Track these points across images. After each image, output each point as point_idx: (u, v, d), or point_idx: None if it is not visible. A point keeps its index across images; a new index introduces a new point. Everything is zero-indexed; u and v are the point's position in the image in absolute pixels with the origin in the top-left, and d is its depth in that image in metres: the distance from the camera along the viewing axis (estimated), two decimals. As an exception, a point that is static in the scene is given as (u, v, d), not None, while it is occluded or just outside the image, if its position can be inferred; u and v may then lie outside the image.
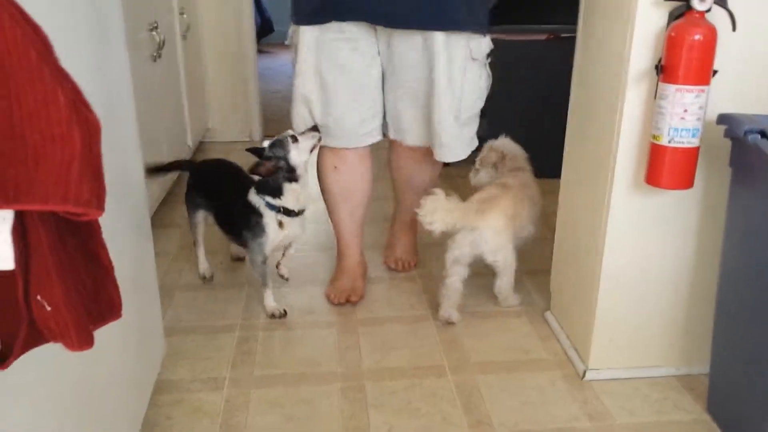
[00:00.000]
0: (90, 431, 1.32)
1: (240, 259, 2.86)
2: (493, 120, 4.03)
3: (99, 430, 1.39)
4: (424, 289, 2.65)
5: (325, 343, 2.28)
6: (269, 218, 2.31)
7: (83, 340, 0.77)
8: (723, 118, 1.69)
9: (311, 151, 2.29)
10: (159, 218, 3.20)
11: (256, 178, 2.30)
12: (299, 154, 2.25)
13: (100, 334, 0.86)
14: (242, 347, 2.26)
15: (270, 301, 2.43)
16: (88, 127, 0.65)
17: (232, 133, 4.74)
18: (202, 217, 2.65)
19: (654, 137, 1.74)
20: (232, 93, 4.66)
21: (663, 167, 1.74)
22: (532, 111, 3.88)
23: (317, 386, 2.06)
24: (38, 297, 0.73)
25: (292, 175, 2.26)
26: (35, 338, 0.78)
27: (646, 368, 2.08)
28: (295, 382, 2.07)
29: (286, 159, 2.24)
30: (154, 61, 3.13)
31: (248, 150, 2.33)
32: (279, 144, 2.25)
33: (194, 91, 4.15)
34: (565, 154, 2.29)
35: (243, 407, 1.95)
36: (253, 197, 2.33)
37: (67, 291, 0.74)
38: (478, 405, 1.96)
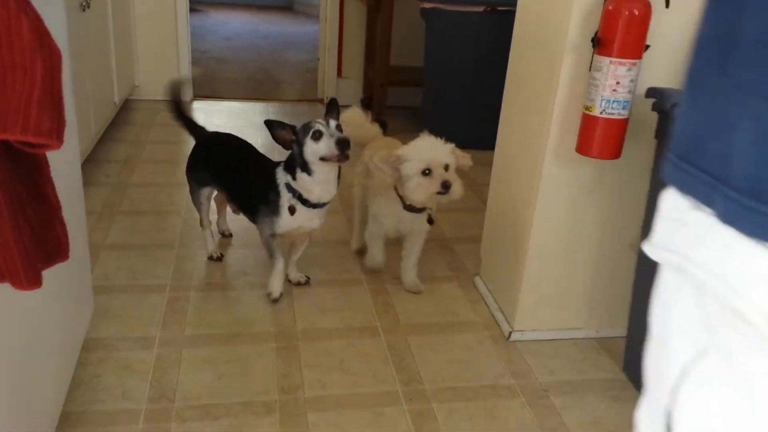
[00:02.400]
0: (17, 390, 1.29)
1: (227, 236, 2.72)
2: (429, 91, 4.08)
3: (26, 389, 1.35)
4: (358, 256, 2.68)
5: (259, 305, 2.28)
6: (284, 200, 2.17)
7: (31, 280, 0.75)
8: (652, 92, 1.78)
9: (323, 160, 2.07)
10: (84, 176, 3.08)
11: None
12: (312, 153, 2.08)
13: (29, 295, 0.83)
14: (173, 306, 2.23)
15: (276, 282, 2.29)
16: (51, 55, 0.63)
17: (160, 91, 4.57)
18: (207, 194, 2.47)
19: (586, 108, 1.81)
20: (161, 50, 4.50)
21: (594, 137, 1.81)
22: (468, 82, 3.93)
23: (250, 345, 2.06)
24: (-16, 233, 0.70)
25: (304, 163, 2.11)
26: (-20, 278, 0.75)
27: (568, 330, 2.19)
28: (228, 342, 2.07)
29: (300, 145, 2.10)
30: (83, 10, 2.99)
31: (267, 122, 2.13)
32: (304, 128, 2.10)
33: (122, 46, 4.00)
34: (500, 125, 2.35)
35: (174, 365, 1.94)
36: (280, 173, 2.19)
37: (17, 229, 0.72)
38: (409, 364, 2.01)
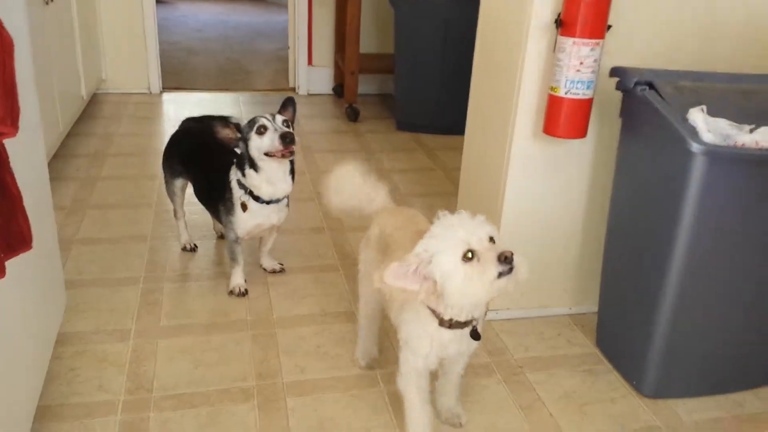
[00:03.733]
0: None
1: (223, 237, 2.55)
2: (400, 77, 4.09)
3: (0, 384, 1.34)
4: (333, 241, 2.69)
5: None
6: (236, 197, 2.14)
7: (-5, 268, 0.75)
8: (615, 71, 1.80)
9: (269, 156, 2.03)
10: (52, 171, 3.05)
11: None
12: (257, 148, 2.03)
13: None
14: (147, 298, 2.22)
15: (236, 279, 2.27)
16: (2, 43, 0.62)
17: (129, 84, 4.54)
18: (180, 185, 2.44)
19: (552, 89, 1.83)
20: (128, 43, 4.45)
21: (560, 118, 1.83)
22: (438, 68, 3.94)
23: (227, 334, 2.06)
24: (-53, 222, 0.70)
25: (251, 160, 2.07)
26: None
27: (541, 308, 2.22)
28: (204, 332, 2.07)
29: (245, 141, 2.06)
30: (46, 3, 2.94)
31: (210, 118, 2.08)
32: (249, 124, 2.06)
33: (88, 39, 3.94)
34: (469, 109, 2.36)
35: (150, 356, 1.93)
36: (232, 170, 2.15)
37: (-22, 217, 0.71)
38: (386, 347, 2.02)
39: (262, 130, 2.03)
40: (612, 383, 1.93)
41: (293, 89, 4.90)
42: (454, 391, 1.72)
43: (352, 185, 1.80)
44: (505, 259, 1.30)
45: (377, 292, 1.56)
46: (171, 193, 2.47)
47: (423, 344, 1.51)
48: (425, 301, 1.43)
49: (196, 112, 4.06)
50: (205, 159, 2.32)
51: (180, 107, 4.32)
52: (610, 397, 1.88)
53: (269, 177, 2.09)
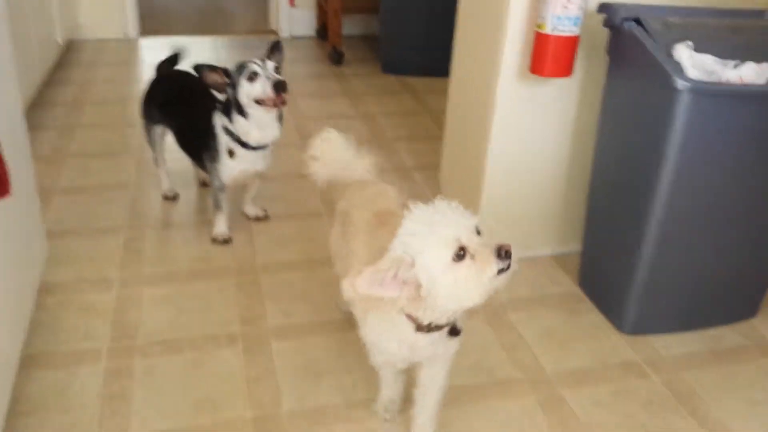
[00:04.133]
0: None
1: (206, 185, 2.56)
2: (385, 18, 3.99)
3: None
4: (317, 187, 2.66)
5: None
6: (222, 144, 2.10)
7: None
8: (602, 7, 1.76)
9: (259, 103, 2.01)
10: (30, 120, 2.99)
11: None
12: (246, 95, 2.00)
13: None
14: (130, 247, 2.21)
15: (220, 226, 2.25)
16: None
17: (106, 30, 4.42)
18: (159, 132, 2.39)
19: (538, 26, 1.79)
20: (103, -15, 4.31)
21: (546, 56, 1.80)
22: (425, 7, 3.85)
23: (211, 281, 2.06)
24: None
25: (239, 106, 2.03)
26: None
27: (525, 249, 2.23)
28: (187, 279, 2.06)
29: (234, 87, 2.01)
30: (13, -56, 2.83)
31: (196, 66, 2.01)
32: (239, 69, 2.00)
33: (60, -18, 3.81)
34: (454, 49, 2.32)
35: (135, 304, 1.93)
36: (217, 116, 2.10)
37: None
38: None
39: (252, 77, 1.98)
40: (593, 321, 1.96)
41: (274, 32, 4.79)
42: (431, 422, 1.50)
43: (334, 153, 1.69)
44: (506, 254, 1.15)
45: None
46: (151, 141, 2.43)
47: (391, 348, 1.35)
48: (404, 307, 1.23)
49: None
50: (184, 105, 2.27)
51: (158, 53, 4.20)
52: (590, 335, 1.90)
53: (258, 122, 2.05)
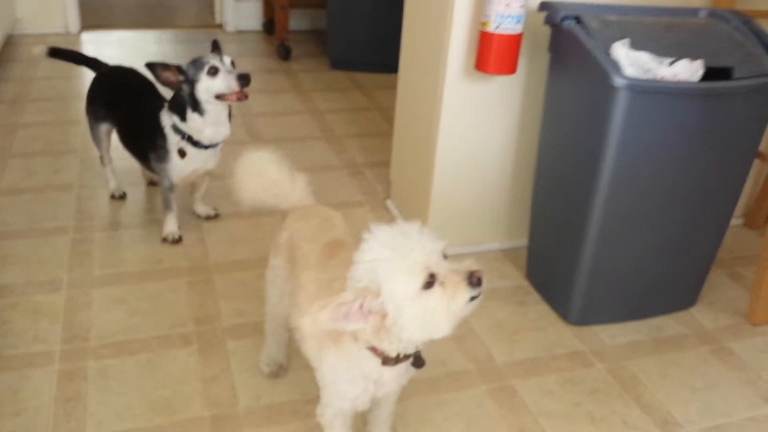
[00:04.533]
0: None
1: (154, 183, 2.53)
2: (333, 12, 3.99)
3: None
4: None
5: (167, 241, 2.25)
6: (172, 143, 2.07)
7: None
8: (543, 5, 1.82)
9: (220, 98, 1.99)
10: (-33, 118, 2.91)
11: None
12: (206, 90, 1.97)
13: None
14: (78, 248, 2.17)
15: (170, 225, 2.23)
16: None
17: (45, 24, 4.29)
18: (105, 130, 2.33)
19: (482, 24, 1.83)
20: (41, -22, 4.19)
21: (490, 53, 1.85)
22: (371, 5, 3.86)
23: (162, 281, 2.04)
24: None
25: (195, 103, 2.00)
26: None
27: (475, 245, 2.28)
28: (138, 280, 2.05)
29: (192, 83, 1.97)
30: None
31: (148, 64, 1.96)
32: (195, 64, 1.98)
33: (-4, -25, 3.69)
34: (402, 45, 2.35)
35: (85, 306, 1.91)
36: (164, 115, 2.06)
37: None
38: (295, 353, 2.05)
39: (213, 71, 1.96)
40: (540, 313, 2.02)
41: (220, 26, 4.74)
42: (388, 421, 1.49)
43: (263, 177, 1.53)
44: (478, 281, 1.09)
45: (287, 317, 1.39)
46: (96, 139, 2.39)
47: (355, 387, 1.25)
48: (368, 340, 1.16)
49: (117, 53, 3.89)
50: (129, 103, 2.24)
51: (101, 47, 4.12)
52: (538, 326, 1.97)
53: (213, 120, 2.03)
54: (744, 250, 2.42)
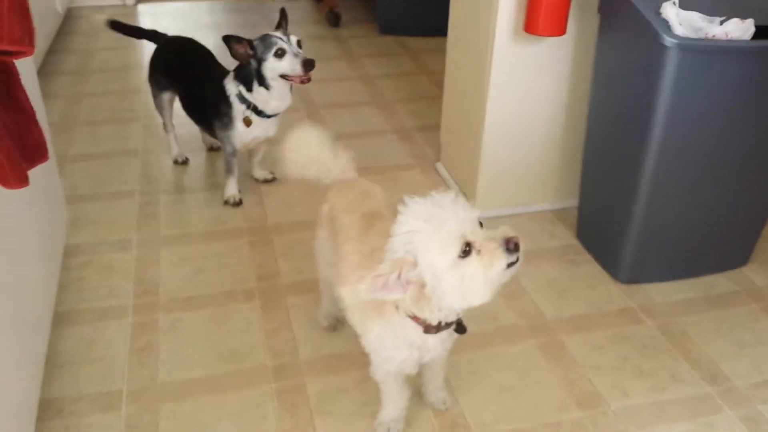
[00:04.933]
0: (10, 296, 1.36)
1: (214, 149, 2.66)
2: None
3: (20, 291, 1.43)
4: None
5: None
6: (238, 111, 2.16)
7: (18, 178, 0.82)
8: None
9: (284, 78, 2.07)
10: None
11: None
12: (272, 69, 2.06)
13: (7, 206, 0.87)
14: (145, 210, 2.29)
15: (231, 189, 2.33)
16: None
17: (104, -4, 4.44)
18: (168, 98, 2.45)
19: (533, -13, 1.85)
20: (99, -48, 4.31)
21: (539, 15, 1.86)
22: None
23: (225, 241, 2.15)
24: (-29, 138, 0.76)
25: (261, 78, 2.09)
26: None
27: (525, 205, 2.32)
28: (202, 240, 2.16)
29: (260, 60, 2.06)
30: None
31: (225, 37, 2.04)
32: (264, 43, 2.06)
33: (57, -50, 3.82)
34: (451, 9, 2.37)
35: (154, 263, 2.03)
36: (229, 83, 2.16)
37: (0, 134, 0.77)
38: (377, 247, 2.13)
39: (280, 53, 2.04)
40: (591, 271, 2.06)
41: (271, -5, 4.80)
42: (440, 376, 1.56)
43: (310, 151, 1.58)
44: (515, 247, 1.10)
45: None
46: (159, 107, 2.50)
47: (400, 354, 1.31)
48: (409, 309, 1.20)
49: (172, 23, 3.99)
50: (191, 72, 2.33)
51: (156, 19, 4.25)
52: (588, 284, 2.01)
53: (278, 94, 2.12)
54: (800, 210, 2.40)
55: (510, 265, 1.11)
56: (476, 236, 1.10)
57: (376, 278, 1.10)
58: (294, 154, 1.58)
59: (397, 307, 1.22)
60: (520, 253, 1.11)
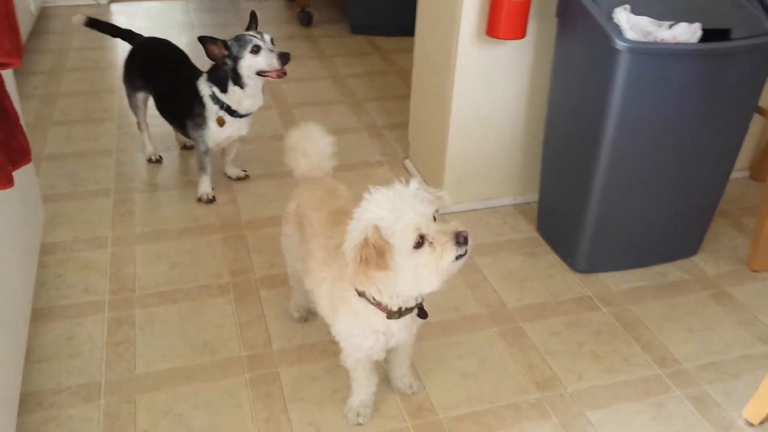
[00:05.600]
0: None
1: (187, 148, 2.71)
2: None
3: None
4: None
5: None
6: (211, 112, 2.22)
7: (4, 180, 0.88)
8: (549, -26, 1.91)
9: (260, 74, 2.14)
10: (10, 89, 3.08)
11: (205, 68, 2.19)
12: (249, 67, 2.12)
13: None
14: (120, 209, 2.35)
15: (204, 186, 2.39)
16: (0, -14, 0.73)
17: (76, -5, 4.44)
18: (142, 99, 2.50)
19: (492, -8, 1.94)
20: (71, -49, 4.32)
21: (500, 19, 1.95)
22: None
23: (199, 237, 2.22)
24: (-41, 143, 0.82)
25: (236, 77, 2.15)
26: (-44, 182, 0.88)
27: (488, 200, 2.42)
28: (176, 236, 2.22)
29: (235, 59, 2.12)
30: None
31: (200, 38, 2.10)
32: (239, 42, 2.11)
33: (28, -50, 3.82)
34: (418, 10, 2.45)
35: (130, 260, 2.09)
36: (202, 84, 2.21)
37: (-15, 136, 0.84)
38: (347, 241, 2.21)
39: (255, 50, 2.10)
40: (549, 262, 2.16)
41: (244, -6, 4.84)
42: (406, 362, 1.64)
43: (315, 147, 1.67)
44: (464, 240, 1.20)
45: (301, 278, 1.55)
46: (133, 107, 2.55)
47: (367, 340, 1.40)
48: (372, 295, 1.31)
49: (146, 23, 4.02)
50: (165, 73, 2.39)
51: (130, 18, 4.27)
52: (547, 274, 2.11)
53: (252, 93, 2.19)
54: (748, 201, 2.52)
55: (459, 257, 1.21)
56: (429, 229, 1.20)
57: (356, 254, 1.19)
58: (301, 148, 1.67)
59: (360, 294, 1.32)
60: (469, 247, 1.21)
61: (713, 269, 2.16)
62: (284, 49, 2.14)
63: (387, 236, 1.19)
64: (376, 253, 1.19)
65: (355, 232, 1.23)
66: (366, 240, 1.19)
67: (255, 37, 2.12)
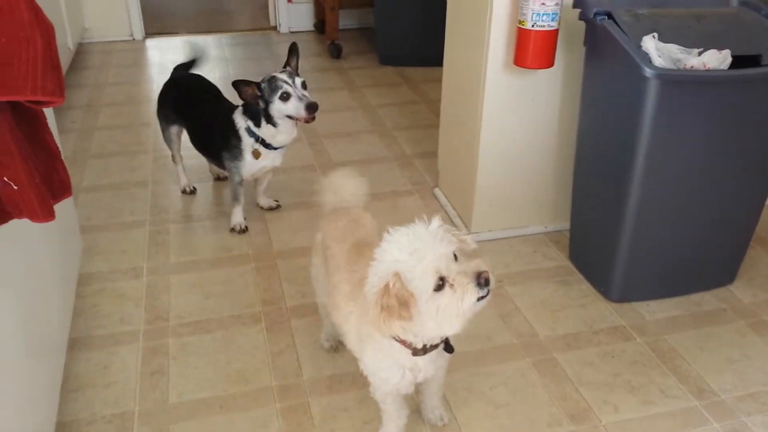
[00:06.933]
0: (28, 318, 1.46)
1: (221, 179, 2.78)
2: (380, 10, 4.15)
3: (36, 317, 1.52)
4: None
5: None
6: (247, 144, 2.28)
7: (46, 213, 0.91)
8: (577, 2, 1.93)
9: (290, 118, 2.21)
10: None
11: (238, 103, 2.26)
12: (278, 110, 2.19)
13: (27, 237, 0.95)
14: (155, 239, 2.39)
15: (237, 217, 2.43)
16: (46, 28, 0.76)
17: (112, 32, 4.59)
18: (176, 132, 2.58)
19: (520, 22, 1.96)
20: (108, -10, 4.48)
21: (528, 49, 1.97)
22: (417, 1, 4.00)
23: (232, 267, 2.24)
24: (5, 178, 0.85)
25: (268, 117, 2.21)
26: (2, 217, 0.91)
27: (519, 228, 2.41)
28: (210, 267, 2.25)
29: (266, 101, 2.19)
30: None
31: (234, 83, 2.15)
32: (270, 86, 2.17)
33: (68, -10, 3.97)
34: (446, 41, 2.48)
35: (164, 290, 2.12)
36: (238, 117, 2.28)
37: (29, 172, 0.87)
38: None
39: (285, 96, 2.16)
40: (582, 291, 2.14)
41: (274, 28, 4.94)
42: (437, 394, 1.64)
43: (347, 193, 1.68)
44: (485, 282, 1.18)
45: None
46: (168, 140, 2.61)
47: (394, 375, 1.39)
48: (396, 333, 1.26)
49: (180, 57, 4.12)
50: (199, 107, 2.44)
51: (164, 53, 4.39)
52: (580, 303, 2.09)
53: (285, 129, 2.25)
54: (786, 229, 2.48)
55: (480, 298, 1.19)
56: (450, 271, 1.18)
57: (377, 301, 1.19)
58: (334, 192, 1.69)
59: (384, 333, 1.28)
60: (491, 287, 1.19)
61: (750, 297, 2.12)
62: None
63: (407, 281, 1.18)
64: (398, 302, 1.18)
65: (376, 277, 1.22)
66: (387, 288, 1.18)
67: (286, 82, 2.16)
